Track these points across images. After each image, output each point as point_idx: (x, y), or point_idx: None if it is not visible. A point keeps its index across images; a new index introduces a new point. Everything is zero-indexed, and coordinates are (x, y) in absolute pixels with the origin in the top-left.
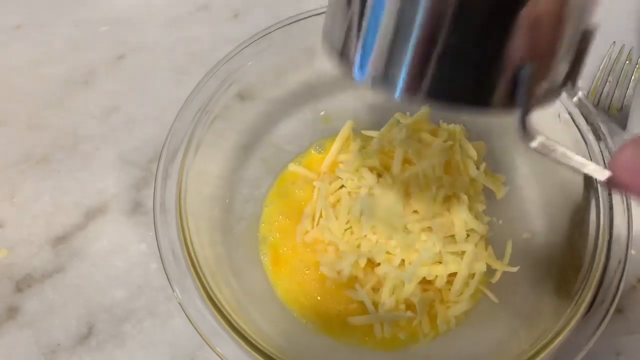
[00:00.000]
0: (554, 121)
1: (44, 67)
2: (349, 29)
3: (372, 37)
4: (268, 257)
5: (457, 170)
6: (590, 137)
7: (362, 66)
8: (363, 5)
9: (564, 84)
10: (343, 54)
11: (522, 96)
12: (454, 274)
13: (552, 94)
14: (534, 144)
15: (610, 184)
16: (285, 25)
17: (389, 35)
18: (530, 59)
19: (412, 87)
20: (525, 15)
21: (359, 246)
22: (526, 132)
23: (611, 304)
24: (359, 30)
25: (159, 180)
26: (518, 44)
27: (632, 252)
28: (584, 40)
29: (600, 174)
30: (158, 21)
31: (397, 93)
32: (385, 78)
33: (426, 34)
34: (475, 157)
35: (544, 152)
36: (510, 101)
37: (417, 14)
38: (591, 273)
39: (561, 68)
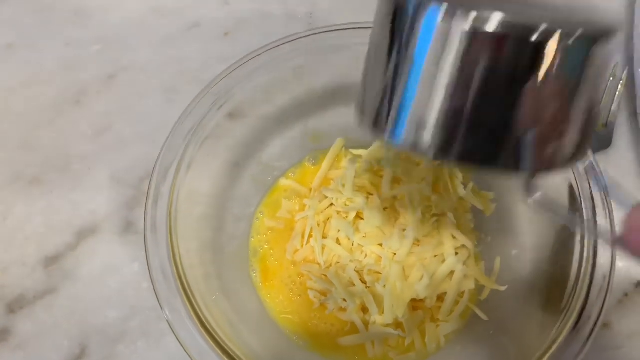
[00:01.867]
0: None
1: (35, 86)
2: (382, 99)
3: (405, 108)
4: (257, 272)
5: (445, 189)
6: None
7: (395, 133)
8: (396, 77)
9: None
10: (377, 123)
11: (530, 161)
12: (443, 292)
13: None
14: (533, 199)
15: (618, 243)
16: (275, 47)
17: (421, 106)
18: (540, 126)
19: (444, 150)
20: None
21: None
22: (529, 187)
23: (598, 319)
24: (391, 99)
25: (150, 200)
26: (529, 114)
27: (620, 265)
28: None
29: (607, 235)
30: (149, 40)
31: (431, 156)
32: (417, 144)
33: (455, 105)
34: (462, 176)
35: (544, 208)
36: (522, 165)
37: (446, 85)
38: (577, 289)
39: (571, 137)
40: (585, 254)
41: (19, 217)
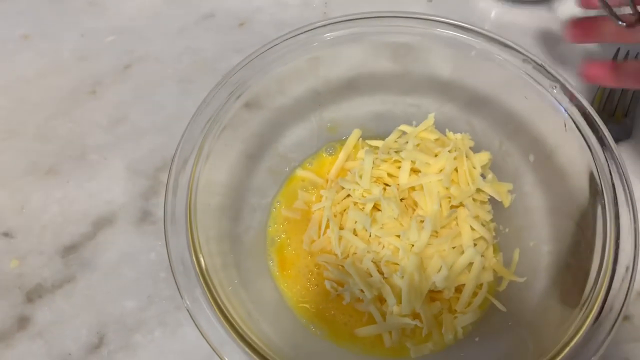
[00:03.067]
0: (560, 129)
1: (51, 77)
2: None
3: None
4: (275, 262)
5: (464, 180)
6: (596, 145)
7: None
8: None
9: None
10: None
11: None
12: (462, 284)
13: None
14: None
15: None
16: (291, 37)
17: None
18: None
19: None
20: None
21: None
22: None
23: (620, 312)
24: None
25: (170, 190)
26: None
27: None
28: None
29: None
30: (164, 30)
31: None
32: None
33: None
34: (481, 167)
35: None
36: None
37: None
38: (599, 281)
39: None
40: (607, 246)
41: (35, 207)
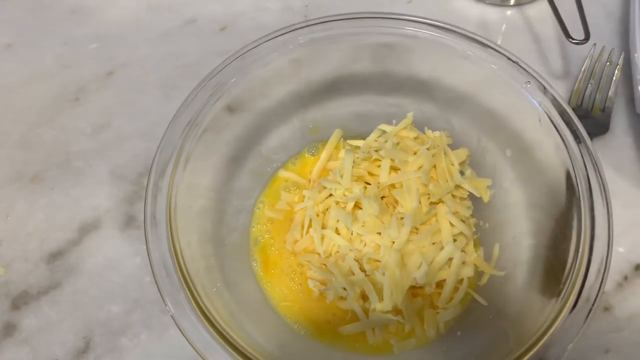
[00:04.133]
0: (535, 124)
1: (35, 85)
2: None
3: None
4: (258, 262)
5: (442, 177)
6: (570, 139)
7: None
8: None
9: None
10: None
11: None
12: (443, 279)
13: None
14: None
15: None
16: (271, 39)
17: None
18: None
19: None
20: None
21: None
22: None
23: (595, 301)
24: None
25: (150, 194)
26: None
27: (620, 249)
28: None
29: None
30: (146, 36)
31: None
32: None
33: None
34: (459, 164)
35: None
36: None
37: None
38: (574, 271)
39: None
40: (582, 238)
41: (20, 214)
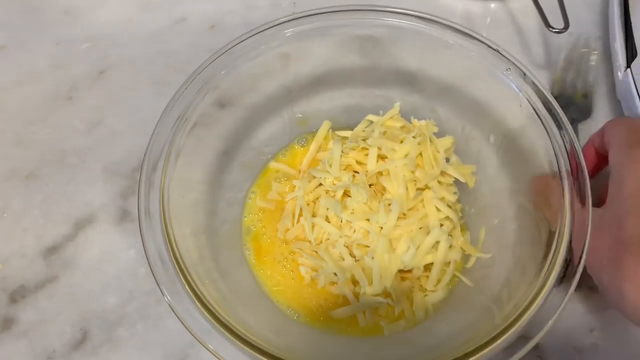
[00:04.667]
0: (516, 110)
1: (28, 85)
2: None
3: None
4: (251, 251)
5: (429, 164)
6: (551, 123)
7: None
8: None
9: None
10: None
11: None
12: (431, 262)
13: None
14: None
15: None
16: (259, 33)
17: None
18: None
19: None
20: None
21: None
22: None
23: (574, 276)
24: None
25: (142, 188)
26: None
27: None
28: None
29: None
30: (137, 36)
31: None
32: None
33: None
34: (445, 151)
35: None
36: None
37: None
38: (556, 253)
39: None
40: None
41: (16, 211)
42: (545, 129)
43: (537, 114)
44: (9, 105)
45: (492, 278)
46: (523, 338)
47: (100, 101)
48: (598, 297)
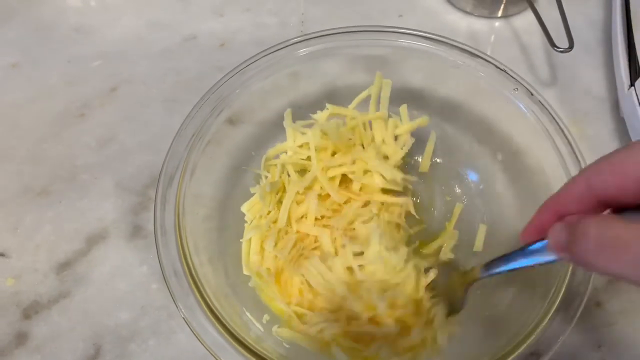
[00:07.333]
0: (523, 129)
1: (41, 102)
2: None
3: None
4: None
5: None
6: (559, 141)
7: None
8: None
9: None
10: None
11: None
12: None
13: None
14: None
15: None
16: (270, 54)
17: None
18: None
19: None
20: None
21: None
22: None
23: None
24: None
25: (158, 204)
26: None
27: None
28: None
29: None
30: (148, 53)
31: None
32: None
33: None
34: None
35: None
36: None
37: None
38: (563, 270)
39: None
40: None
41: (29, 227)
42: (553, 147)
43: (544, 132)
44: (22, 122)
45: (498, 300)
46: (533, 355)
47: (111, 118)
48: (604, 312)
